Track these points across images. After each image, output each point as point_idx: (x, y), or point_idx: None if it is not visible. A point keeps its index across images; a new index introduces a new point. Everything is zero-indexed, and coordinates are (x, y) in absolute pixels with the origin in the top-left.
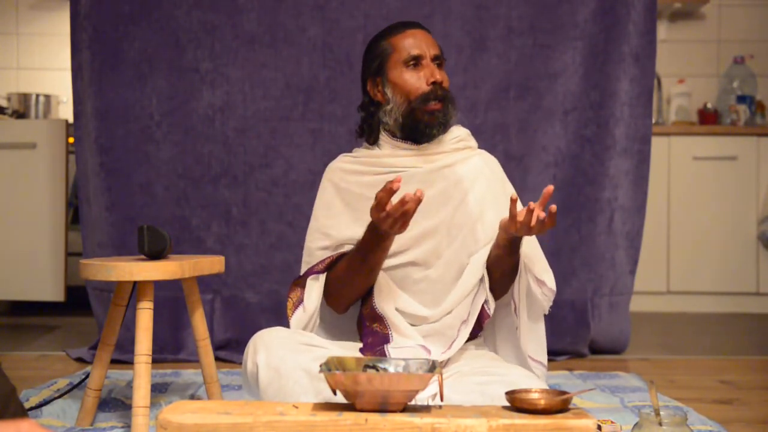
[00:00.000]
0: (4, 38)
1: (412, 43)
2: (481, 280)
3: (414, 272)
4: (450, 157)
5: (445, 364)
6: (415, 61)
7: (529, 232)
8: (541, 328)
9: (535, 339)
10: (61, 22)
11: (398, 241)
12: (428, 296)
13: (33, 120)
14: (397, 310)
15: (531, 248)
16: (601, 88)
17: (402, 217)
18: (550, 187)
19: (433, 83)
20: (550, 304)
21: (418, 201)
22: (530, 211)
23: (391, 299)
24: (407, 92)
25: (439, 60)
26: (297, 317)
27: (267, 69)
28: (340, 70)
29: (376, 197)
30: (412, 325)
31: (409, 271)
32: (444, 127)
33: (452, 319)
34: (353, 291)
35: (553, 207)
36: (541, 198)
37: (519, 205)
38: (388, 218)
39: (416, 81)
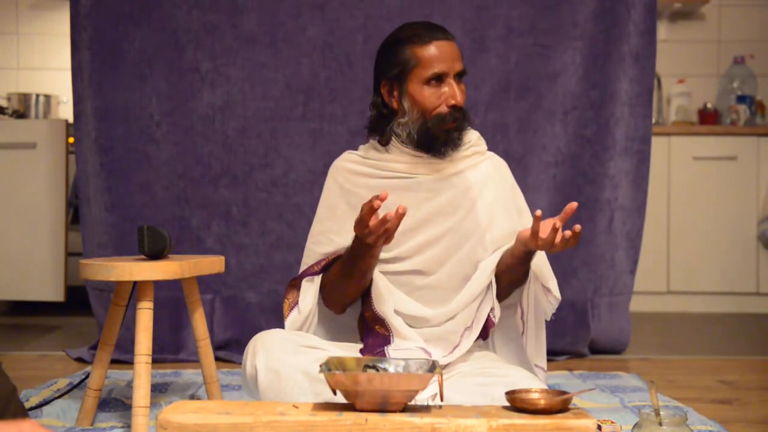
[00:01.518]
0: (4, 38)
1: (437, 57)
2: (489, 287)
3: (417, 279)
4: (460, 164)
5: (445, 365)
6: (438, 79)
7: (551, 250)
8: (543, 334)
9: (538, 345)
10: (61, 22)
11: (402, 248)
12: (430, 303)
13: (33, 120)
14: (396, 312)
15: (538, 256)
16: (601, 88)
17: (384, 233)
18: (574, 204)
19: (453, 106)
20: (554, 311)
21: (400, 218)
22: (555, 230)
23: (390, 301)
24: (424, 110)
25: (462, 75)
26: (291, 319)
27: (267, 69)
28: (340, 70)
29: (361, 211)
30: (413, 327)
31: (411, 279)
32: (457, 145)
33: (455, 324)
34: (347, 294)
35: (578, 227)
36: (563, 214)
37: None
38: (371, 234)
39: (436, 100)
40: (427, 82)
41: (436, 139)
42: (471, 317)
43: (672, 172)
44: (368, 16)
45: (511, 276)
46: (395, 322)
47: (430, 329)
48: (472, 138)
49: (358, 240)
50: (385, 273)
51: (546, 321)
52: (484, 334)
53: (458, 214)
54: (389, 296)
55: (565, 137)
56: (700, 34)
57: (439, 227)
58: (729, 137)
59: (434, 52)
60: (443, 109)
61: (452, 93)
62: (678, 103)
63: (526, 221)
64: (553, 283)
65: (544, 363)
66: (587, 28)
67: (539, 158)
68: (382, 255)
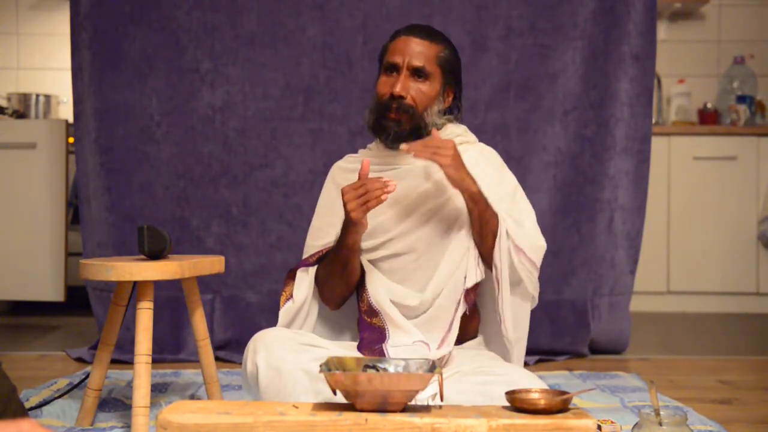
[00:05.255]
0: (4, 38)
1: (395, 50)
2: (466, 254)
3: (409, 261)
4: None
5: (445, 363)
6: (392, 69)
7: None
8: (523, 309)
9: (516, 319)
10: (61, 22)
11: (392, 232)
12: (421, 283)
13: (33, 120)
14: (392, 302)
15: (521, 216)
16: (601, 88)
17: (364, 197)
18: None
19: (391, 95)
20: (534, 282)
21: (383, 186)
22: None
23: (385, 292)
24: (376, 96)
25: (420, 73)
26: (285, 309)
27: (267, 69)
28: (340, 70)
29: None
30: (409, 317)
31: (404, 261)
32: (402, 138)
33: (445, 300)
34: (334, 287)
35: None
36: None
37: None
38: (348, 193)
39: (383, 87)
40: (384, 71)
41: (384, 128)
42: (460, 290)
43: (672, 172)
44: (368, 16)
45: (476, 226)
46: (390, 312)
47: (423, 313)
48: (458, 130)
49: (342, 227)
50: (378, 259)
51: (529, 298)
52: (476, 320)
53: (445, 195)
54: (384, 287)
55: (565, 137)
56: (700, 34)
57: (427, 208)
58: (729, 137)
59: (397, 44)
60: (385, 95)
61: (396, 82)
62: (678, 103)
63: (519, 197)
64: (525, 243)
65: (519, 338)
66: (587, 28)
67: (539, 158)
68: (374, 241)
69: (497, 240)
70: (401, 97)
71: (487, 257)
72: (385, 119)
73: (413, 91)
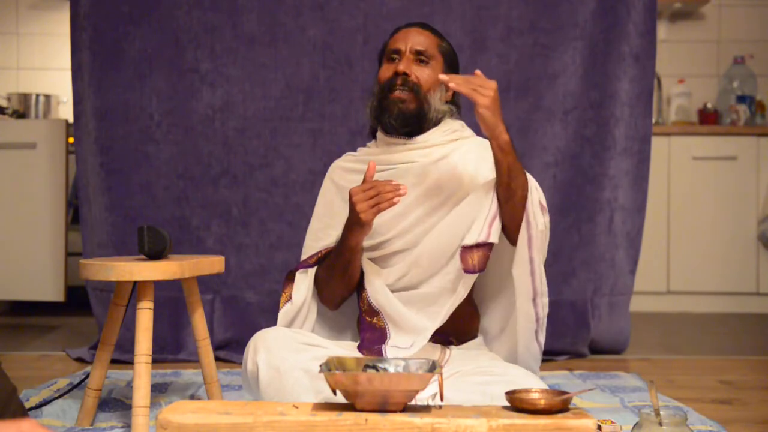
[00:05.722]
0: (4, 38)
1: (397, 39)
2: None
3: (409, 258)
4: (444, 148)
5: (446, 361)
6: (394, 55)
7: (480, 98)
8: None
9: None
10: (61, 22)
11: (392, 232)
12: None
13: (33, 120)
14: (392, 290)
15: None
16: (601, 88)
17: (375, 199)
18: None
19: (395, 73)
20: (545, 246)
21: (395, 189)
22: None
23: (384, 291)
24: (379, 80)
25: (422, 56)
26: (284, 310)
27: (267, 69)
28: (340, 70)
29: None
30: (406, 289)
31: (404, 257)
32: (411, 124)
33: (437, 256)
34: (335, 288)
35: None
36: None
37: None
38: (359, 194)
39: (386, 72)
40: (387, 60)
41: (386, 109)
42: (454, 245)
43: (672, 172)
44: (368, 16)
45: (504, 180)
46: (390, 311)
47: (421, 285)
48: (455, 125)
49: (344, 229)
50: (378, 258)
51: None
52: (474, 326)
53: (445, 193)
54: (381, 282)
55: (565, 137)
56: (700, 34)
57: (426, 206)
58: (729, 137)
59: (398, 35)
60: (389, 75)
61: (398, 63)
62: (678, 103)
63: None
64: (545, 204)
65: (544, 302)
66: (587, 28)
67: (539, 158)
68: (373, 241)
69: (530, 193)
70: (405, 75)
71: (510, 214)
72: (388, 100)
73: (417, 72)
